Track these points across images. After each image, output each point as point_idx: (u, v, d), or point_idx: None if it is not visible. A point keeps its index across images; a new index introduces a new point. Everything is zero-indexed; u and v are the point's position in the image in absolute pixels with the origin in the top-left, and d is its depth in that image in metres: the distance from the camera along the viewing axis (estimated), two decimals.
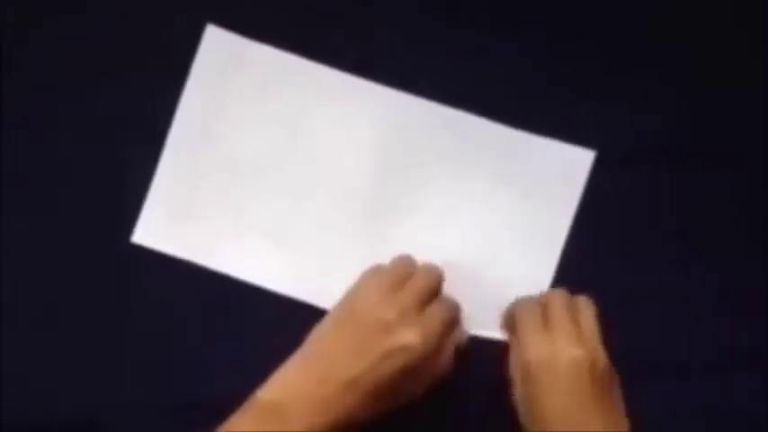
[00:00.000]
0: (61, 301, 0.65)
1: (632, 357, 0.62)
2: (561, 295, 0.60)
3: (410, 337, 0.56)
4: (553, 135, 0.64)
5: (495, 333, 0.63)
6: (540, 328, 0.57)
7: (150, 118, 0.65)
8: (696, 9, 0.64)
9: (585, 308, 0.59)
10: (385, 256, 0.62)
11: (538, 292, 0.62)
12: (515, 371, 0.58)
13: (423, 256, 0.63)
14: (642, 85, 0.64)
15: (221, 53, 0.65)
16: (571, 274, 0.64)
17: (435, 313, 0.58)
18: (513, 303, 0.62)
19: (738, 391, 0.63)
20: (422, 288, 0.58)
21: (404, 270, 0.60)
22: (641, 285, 0.64)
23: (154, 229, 0.65)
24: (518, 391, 0.57)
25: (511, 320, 0.61)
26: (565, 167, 0.64)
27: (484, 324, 0.63)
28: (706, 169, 0.64)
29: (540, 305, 0.59)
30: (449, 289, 0.62)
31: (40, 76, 0.66)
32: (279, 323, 0.64)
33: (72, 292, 0.65)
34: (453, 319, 0.60)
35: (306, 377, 0.56)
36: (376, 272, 0.60)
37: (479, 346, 0.63)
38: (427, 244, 0.64)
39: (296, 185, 0.65)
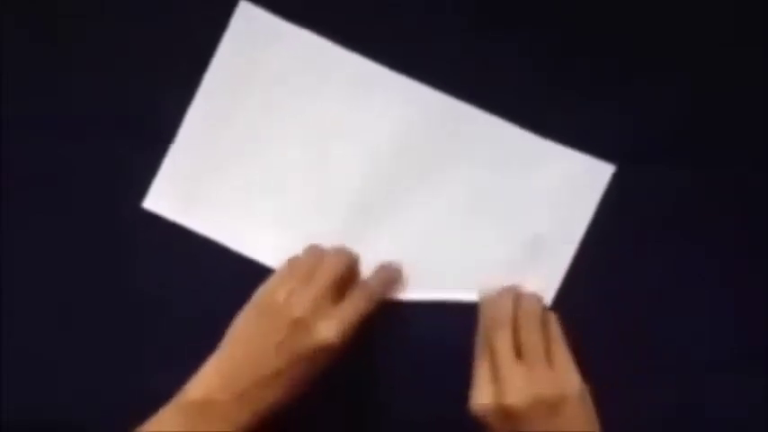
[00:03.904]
0: (60, 301, 0.65)
1: (633, 357, 0.63)
2: (533, 322, 0.59)
3: (327, 334, 0.56)
4: (563, 135, 0.64)
5: None
6: (487, 373, 0.57)
7: (152, 116, 0.65)
8: (702, 8, 0.64)
9: (554, 328, 0.60)
10: (391, 250, 0.63)
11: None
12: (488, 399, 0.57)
13: (430, 252, 0.64)
14: (650, 86, 0.64)
15: (251, 32, 0.65)
16: (572, 269, 0.64)
17: (352, 303, 0.59)
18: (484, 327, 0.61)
19: (738, 391, 0.63)
20: (332, 276, 0.59)
21: (314, 259, 0.60)
22: (642, 285, 0.64)
23: (165, 197, 0.65)
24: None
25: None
26: (583, 179, 0.64)
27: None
28: (708, 169, 0.64)
29: (510, 327, 0.59)
30: (454, 289, 0.63)
31: (40, 76, 0.66)
32: None
33: (71, 291, 0.65)
34: (373, 305, 0.60)
35: (225, 375, 0.57)
36: (288, 264, 0.61)
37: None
38: (435, 241, 0.64)
39: (311, 169, 0.65)
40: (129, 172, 0.65)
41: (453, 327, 0.63)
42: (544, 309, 0.62)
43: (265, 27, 0.65)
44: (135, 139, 0.65)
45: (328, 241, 0.64)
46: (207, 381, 0.57)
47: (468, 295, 0.63)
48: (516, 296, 0.61)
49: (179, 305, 0.65)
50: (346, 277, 0.60)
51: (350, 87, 0.65)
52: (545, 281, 0.63)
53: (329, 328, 0.57)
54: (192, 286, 0.65)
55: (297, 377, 0.57)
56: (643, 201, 0.64)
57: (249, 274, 0.65)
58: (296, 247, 0.64)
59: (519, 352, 0.58)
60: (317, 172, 0.65)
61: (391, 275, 0.63)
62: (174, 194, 0.65)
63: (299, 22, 0.65)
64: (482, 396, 0.57)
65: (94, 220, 0.65)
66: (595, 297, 0.63)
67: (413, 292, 0.64)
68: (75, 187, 0.65)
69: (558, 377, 0.57)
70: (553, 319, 0.61)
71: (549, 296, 0.63)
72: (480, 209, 0.64)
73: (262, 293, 0.59)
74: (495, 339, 0.59)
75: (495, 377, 0.57)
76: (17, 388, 0.64)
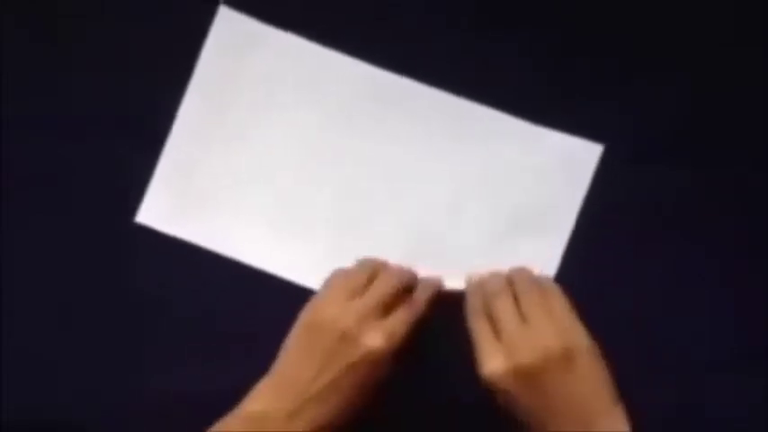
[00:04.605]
0: (60, 301, 0.65)
1: (633, 357, 0.63)
2: (528, 283, 0.60)
3: (373, 342, 0.57)
4: (563, 131, 0.64)
5: None
6: (492, 339, 0.58)
7: (152, 116, 0.65)
8: (702, 8, 0.64)
9: (554, 294, 0.60)
10: (387, 242, 0.64)
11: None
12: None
13: (425, 241, 0.64)
14: (650, 86, 0.64)
15: (233, 37, 0.65)
16: (573, 269, 0.64)
17: (400, 317, 0.59)
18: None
19: (738, 391, 0.63)
20: (383, 294, 0.59)
21: (365, 275, 0.60)
22: (642, 285, 0.64)
23: (157, 210, 0.65)
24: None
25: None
26: (572, 160, 0.64)
27: None
28: (708, 169, 0.64)
29: (509, 293, 0.60)
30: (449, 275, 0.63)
31: (40, 76, 0.66)
32: (282, 311, 0.64)
33: (71, 291, 0.65)
34: (418, 315, 0.60)
35: (278, 392, 0.57)
36: (337, 277, 0.60)
37: None
38: (429, 231, 0.65)
39: (302, 168, 0.65)
40: (129, 172, 0.65)
41: (445, 313, 0.63)
42: (542, 277, 0.62)
43: (246, 31, 0.65)
44: (135, 139, 0.65)
45: (326, 241, 0.64)
46: (261, 397, 0.57)
47: (459, 282, 0.64)
48: (509, 272, 0.62)
49: (179, 305, 0.65)
50: (397, 297, 0.60)
51: (337, 86, 0.65)
52: (542, 263, 0.64)
53: (375, 338, 0.57)
54: (191, 286, 0.65)
55: (348, 390, 0.57)
56: (643, 201, 0.64)
57: (248, 274, 0.65)
58: (291, 247, 0.64)
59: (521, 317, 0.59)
60: (308, 171, 0.65)
61: (435, 287, 0.63)
62: (165, 206, 0.65)
63: (299, 24, 0.65)
64: (492, 362, 0.56)
65: (94, 220, 0.65)
66: (595, 297, 0.63)
67: None
68: (75, 187, 0.65)
69: (565, 332, 0.57)
70: (552, 285, 0.61)
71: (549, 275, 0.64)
72: (474, 195, 0.65)
73: (309, 311, 0.59)
74: (496, 306, 0.59)
75: (501, 342, 0.57)
76: (17, 388, 0.64)
